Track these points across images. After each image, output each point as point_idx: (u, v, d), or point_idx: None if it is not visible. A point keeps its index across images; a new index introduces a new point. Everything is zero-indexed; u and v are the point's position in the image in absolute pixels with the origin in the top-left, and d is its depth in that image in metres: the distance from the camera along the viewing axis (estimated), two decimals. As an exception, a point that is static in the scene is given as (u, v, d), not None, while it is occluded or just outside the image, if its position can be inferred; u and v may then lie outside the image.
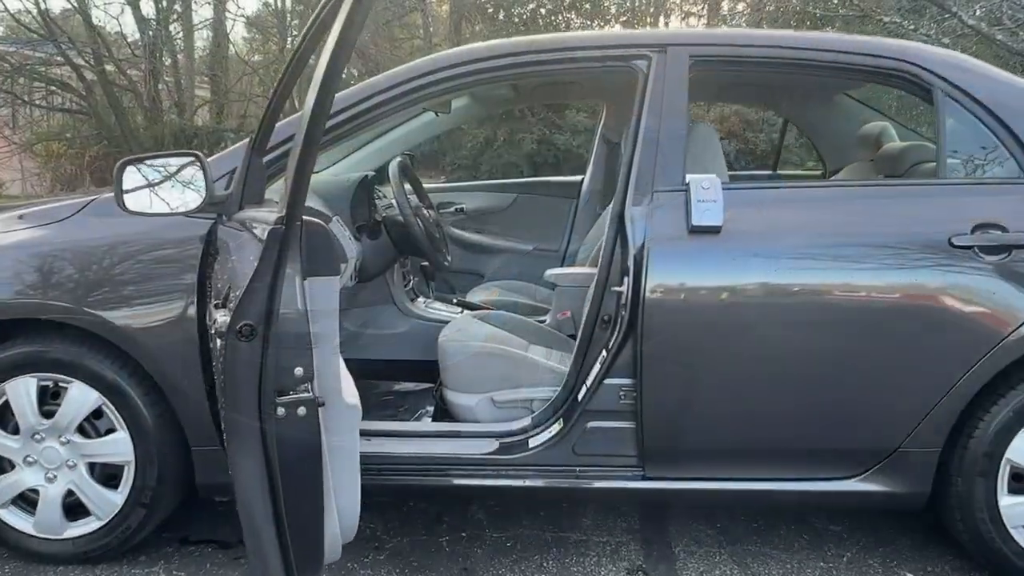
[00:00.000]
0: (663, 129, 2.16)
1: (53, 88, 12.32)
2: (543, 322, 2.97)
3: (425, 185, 3.35)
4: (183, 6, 13.52)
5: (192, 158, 1.97)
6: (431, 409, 2.67)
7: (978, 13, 9.01)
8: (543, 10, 16.13)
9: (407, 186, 2.83)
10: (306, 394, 1.32)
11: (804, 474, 2.18)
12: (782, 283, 2.04)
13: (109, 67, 11.99)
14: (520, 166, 12.28)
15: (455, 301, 3.11)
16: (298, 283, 1.30)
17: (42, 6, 11.11)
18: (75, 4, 11.49)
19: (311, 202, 2.35)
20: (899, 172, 2.69)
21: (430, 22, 17.81)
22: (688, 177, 2.11)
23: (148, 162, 1.98)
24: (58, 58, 11.68)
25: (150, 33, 12.34)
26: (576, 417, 2.19)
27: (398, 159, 2.64)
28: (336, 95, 2.24)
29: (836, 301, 2.04)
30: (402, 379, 2.95)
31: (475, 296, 3.33)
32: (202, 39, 15.46)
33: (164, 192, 1.98)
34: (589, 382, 2.19)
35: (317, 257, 1.34)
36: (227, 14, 14.32)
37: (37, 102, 12.80)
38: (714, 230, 2.05)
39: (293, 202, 1.25)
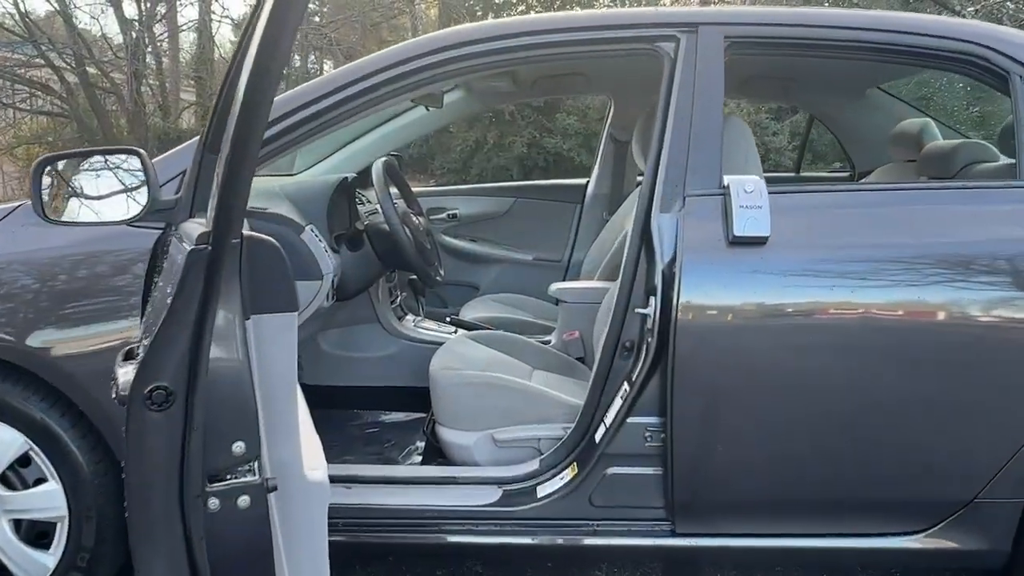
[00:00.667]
0: (695, 122, 1.83)
1: (34, 91, 11.96)
2: (547, 343, 2.64)
3: (414, 189, 3.02)
4: (167, 7, 13.15)
5: (132, 155, 1.63)
6: (423, 444, 2.33)
7: (978, 12, 8.77)
8: (533, 12, 15.83)
9: (393, 189, 2.50)
10: (250, 477, 0.97)
11: (863, 529, 1.84)
12: (840, 305, 1.71)
13: (91, 69, 11.64)
14: (510, 169, 12.00)
15: (449, 319, 2.77)
16: (237, 324, 0.95)
17: (22, 8, 10.78)
18: (56, 5, 11.14)
19: (280, 208, 2.01)
20: (949, 174, 2.37)
21: (419, 24, 17.47)
22: (726, 179, 1.78)
23: (77, 161, 1.63)
24: (39, 60, 11.33)
25: (133, 35, 11.97)
26: (593, 462, 1.85)
27: (383, 159, 2.30)
28: (305, 87, 1.94)
29: (906, 327, 1.71)
30: (389, 408, 2.61)
31: (470, 312, 3.00)
32: (188, 42, 15.10)
33: (98, 197, 1.64)
34: (609, 420, 1.85)
35: (267, 286, 0.99)
36: (212, 15, 13.97)
37: (17, 105, 12.42)
38: (759, 241, 1.71)
39: (224, 214, 0.89)
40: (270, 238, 1.01)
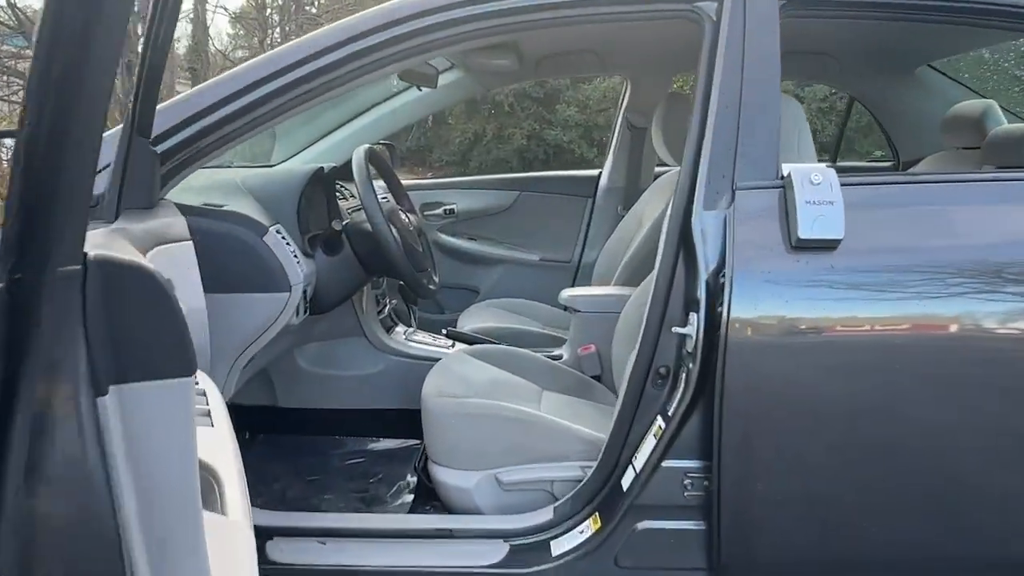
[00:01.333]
0: (746, 98, 1.48)
1: (23, 82, 11.62)
2: (558, 358, 2.30)
3: (409, 182, 2.68)
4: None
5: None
6: (415, 480, 1.99)
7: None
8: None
9: (380, 183, 2.16)
10: None
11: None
12: (937, 322, 1.37)
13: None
14: (509, 162, 11.72)
15: (445, 332, 2.43)
16: (82, 405, 0.58)
17: (12, -2, 10.46)
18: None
19: (239, 205, 1.67)
20: (1024, 162, 2.03)
21: None
22: (786, 168, 1.44)
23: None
24: (29, 51, 10.99)
25: (124, 24, 11.63)
26: (620, 513, 1.52)
27: (365, 147, 1.95)
28: (263, 58, 1.59)
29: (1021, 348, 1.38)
30: (377, 434, 2.27)
31: (469, 321, 2.66)
32: (185, 35, 14.73)
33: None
34: (639, 463, 1.52)
35: (140, 339, 0.62)
36: (207, 6, 13.61)
37: (8, 97, 12.08)
38: (830, 245, 1.37)
39: (41, 224, 0.52)
40: (140, 262, 0.64)
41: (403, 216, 2.00)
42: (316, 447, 2.21)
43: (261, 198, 1.76)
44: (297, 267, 1.65)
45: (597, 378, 2.23)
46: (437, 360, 2.07)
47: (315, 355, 2.25)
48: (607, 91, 10.80)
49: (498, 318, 2.69)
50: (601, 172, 3.14)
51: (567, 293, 2.31)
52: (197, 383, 1.05)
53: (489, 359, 2.08)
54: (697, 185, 1.47)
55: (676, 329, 1.48)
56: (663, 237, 1.54)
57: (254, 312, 1.61)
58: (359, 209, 1.87)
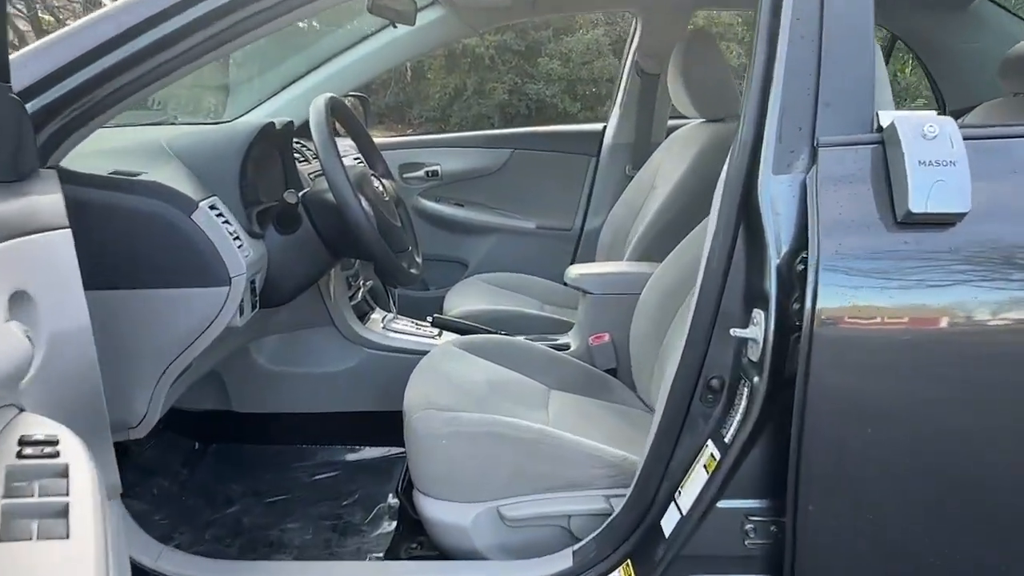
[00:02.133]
0: (829, 24, 1.11)
1: None
2: (565, 348, 1.96)
3: (385, 139, 2.30)
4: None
5: None
6: (397, 503, 1.65)
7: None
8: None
9: (347, 142, 1.78)
10: None
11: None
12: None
13: (45, 16, 10.66)
14: (491, 117, 11.34)
15: (431, 319, 2.06)
16: None
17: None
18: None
19: (162, 173, 1.29)
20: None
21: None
22: (887, 117, 1.08)
23: None
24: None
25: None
26: (662, 565, 1.19)
27: (326, 96, 1.54)
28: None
29: None
30: (351, 441, 1.93)
31: (457, 301, 2.29)
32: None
33: None
34: (686, 502, 1.18)
35: None
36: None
37: None
38: (950, 220, 1.02)
39: None
40: None
41: (376, 184, 1.62)
42: (279, 459, 1.87)
43: (193, 163, 1.38)
44: (237, 253, 1.28)
45: (613, 372, 1.89)
46: (422, 353, 1.72)
47: (275, 350, 1.88)
48: (590, 43, 10.39)
49: (491, 298, 2.33)
50: (605, 127, 2.76)
51: (575, 271, 1.95)
52: (57, 455, 0.69)
53: (484, 352, 1.73)
54: (764, 142, 1.11)
55: (736, 332, 1.13)
56: (715, 210, 1.18)
57: (181, 313, 1.24)
58: (322, 174, 1.50)
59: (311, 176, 1.80)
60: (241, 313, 1.31)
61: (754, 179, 1.11)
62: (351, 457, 1.89)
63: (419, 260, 1.73)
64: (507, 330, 2.05)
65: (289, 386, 1.89)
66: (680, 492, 1.21)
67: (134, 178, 1.24)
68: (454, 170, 2.78)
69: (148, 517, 1.61)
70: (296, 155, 1.75)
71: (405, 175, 2.75)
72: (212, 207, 1.29)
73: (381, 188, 1.63)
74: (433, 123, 11.99)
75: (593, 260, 2.60)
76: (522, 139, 2.83)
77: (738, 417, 1.13)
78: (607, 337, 1.88)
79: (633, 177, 2.51)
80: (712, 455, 1.17)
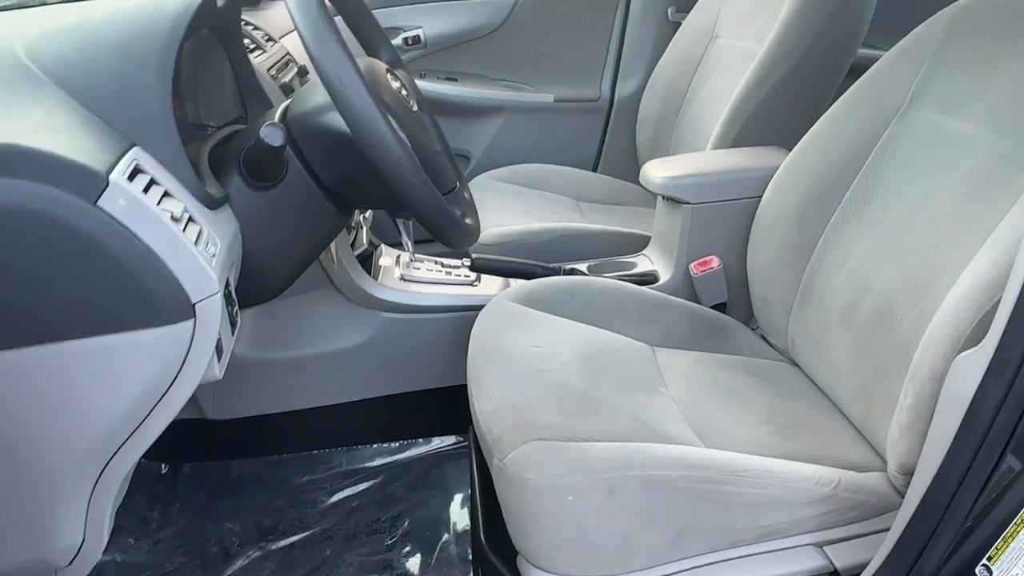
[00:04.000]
0: None
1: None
2: (650, 281, 1.44)
3: None
4: None
5: None
6: (453, 539, 1.17)
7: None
8: None
9: (336, 17, 1.16)
10: None
11: None
12: None
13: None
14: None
15: (470, 262, 1.47)
16: None
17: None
18: None
19: (20, 120, 0.69)
20: None
21: None
22: None
23: None
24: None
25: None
26: None
27: None
28: None
29: None
30: (374, 440, 1.42)
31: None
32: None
33: None
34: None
35: None
36: None
37: None
38: None
39: None
40: None
41: (395, 84, 1.01)
42: (279, 476, 1.36)
43: (81, 89, 0.77)
44: (196, 253, 0.71)
45: (722, 308, 1.40)
46: (459, 311, 1.21)
47: (256, 330, 1.32)
48: None
49: (515, 204, 1.77)
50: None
51: (657, 171, 1.39)
52: None
53: (558, 307, 1.22)
54: None
55: None
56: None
57: (114, 379, 0.69)
58: (305, 76, 0.88)
59: (272, 73, 1.17)
60: (220, 356, 0.76)
61: None
62: (379, 462, 1.38)
63: (470, 198, 1.16)
64: (558, 257, 1.52)
65: (280, 377, 1.34)
66: (992, 561, 0.75)
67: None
68: (441, 33, 2.11)
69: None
70: (249, 42, 1.13)
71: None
72: (134, 171, 0.70)
73: (403, 90, 1.02)
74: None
75: (630, 139, 2.04)
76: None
77: None
78: (715, 263, 1.37)
79: (678, 23, 1.92)
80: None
